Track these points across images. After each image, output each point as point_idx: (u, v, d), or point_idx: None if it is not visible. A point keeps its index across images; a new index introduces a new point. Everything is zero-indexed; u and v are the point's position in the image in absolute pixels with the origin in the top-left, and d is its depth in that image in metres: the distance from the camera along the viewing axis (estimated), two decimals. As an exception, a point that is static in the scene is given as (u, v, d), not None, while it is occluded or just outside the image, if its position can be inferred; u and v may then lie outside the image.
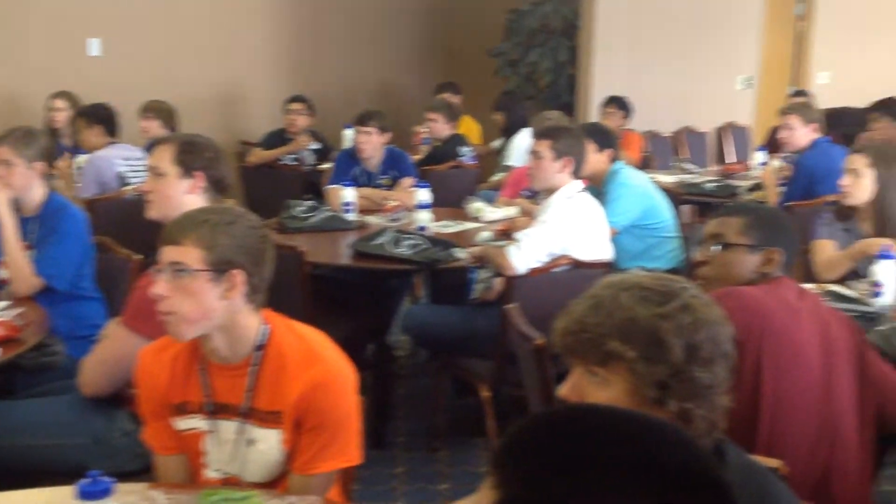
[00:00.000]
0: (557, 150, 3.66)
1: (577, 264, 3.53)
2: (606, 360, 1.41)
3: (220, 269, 1.87)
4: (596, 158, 4.29)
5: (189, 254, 1.86)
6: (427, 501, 3.47)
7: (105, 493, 1.53)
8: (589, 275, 3.37)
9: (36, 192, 3.28)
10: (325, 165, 6.19)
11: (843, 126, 7.89)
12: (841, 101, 8.91)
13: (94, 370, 2.46)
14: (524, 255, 3.48)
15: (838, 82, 9.05)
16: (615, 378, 1.41)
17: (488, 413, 3.48)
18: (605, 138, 4.40)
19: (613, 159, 4.42)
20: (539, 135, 3.82)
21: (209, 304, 1.87)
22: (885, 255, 3.16)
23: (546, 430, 0.91)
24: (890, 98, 6.00)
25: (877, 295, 3.12)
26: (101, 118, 5.10)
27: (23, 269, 3.12)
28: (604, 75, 7.45)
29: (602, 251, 3.69)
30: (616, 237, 4.15)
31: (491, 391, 3.52)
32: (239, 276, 1.89)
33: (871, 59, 9.34)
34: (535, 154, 3.71)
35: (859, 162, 3.50)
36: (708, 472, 0.87)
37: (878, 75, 9.13)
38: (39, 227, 3.25)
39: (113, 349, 2.41)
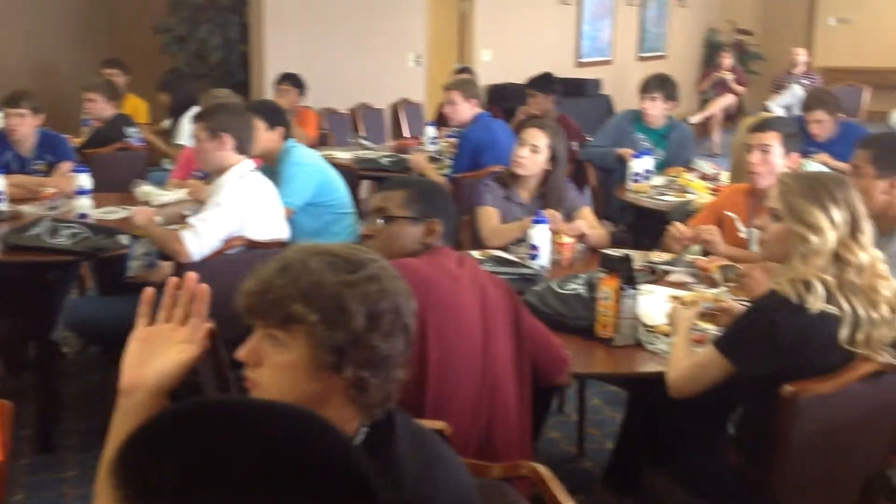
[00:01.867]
0: (211, 128, 3.57)
1: (252, 244, 3.46)
2: (288, 323, 1.40)
3: None
4: (267, 136, 4.23)
5: None
6: (103, 505, 3.27)
7: None
8: (264, 254, 3.27)
9: None
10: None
11: (505, 101, 8.42)
12: (503, 77, 9.49)
13: None
14: (200, 241, 3.35)
15: (500, 59, 9.63)
16: (294, 342, 1.41)
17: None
18: (274, 116, 4.34)
19: (286, 137, 4.38)
20: (195, 118, 3.71)
21: None
22: (539, 220, 3.40)
23: (171, 432, 0.84)
24: (543, 74, 6.45)
25: (534, 257, 3.34)
26: None
27: None
28: (277, 52, 7.37)
29: (278, 230, 3.64)
30: (292, 216, 4.13)
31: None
32: None
33: (528, 37, 10.04)
34: (195, 137, 3.62)
35: (538, 137, 3.71)
36: (349, 462, 0.85)
37: (534, 52, 9.84)
38: None
39: None
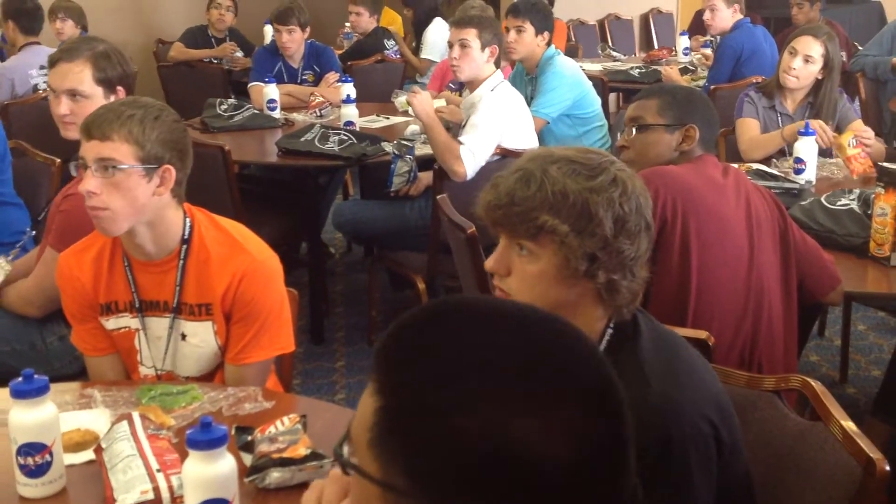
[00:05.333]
0: (484, 39, 3.61)
1: (506, 153, 3.52)
2: (537, 234, 1.40)
3: (151, 164, 1.84)
4: (535, 41, 4.20)
5: (120, 150, 1.82)
6: (367, 393, 3.51)
7: (39, 391, 1.50)
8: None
9: None
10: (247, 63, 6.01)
11: (764, 8, 7.95)
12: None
13: (32, 298, 2.39)
14: (476, 160, 3.39)
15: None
16: (544, 251, 1.40)
17: (425, 305, 3.50)
18: (545, 21, 4.26)
19: (548, 44, 4.35)
20: (464, 23, 3.68)
21: (142, 201, 1.84)
22: (806, 133, 3.22)
23: (426, 329, 0.81)
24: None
25: (799, 172, 3.18)
26: (17, 13, 4.74)
27: None
28: (527, -37, 7.30)
29: (529, 140, 3.68)
30: (547, 125, 4.15)
31: (426, 283, 3.54)
32: (170, 172, 1.87)
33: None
34: (461, 43, 3.61)
35: (813, 46, 3.49)
36: (599, 367, 0.80)
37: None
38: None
39: (49, 275, 2.25)
